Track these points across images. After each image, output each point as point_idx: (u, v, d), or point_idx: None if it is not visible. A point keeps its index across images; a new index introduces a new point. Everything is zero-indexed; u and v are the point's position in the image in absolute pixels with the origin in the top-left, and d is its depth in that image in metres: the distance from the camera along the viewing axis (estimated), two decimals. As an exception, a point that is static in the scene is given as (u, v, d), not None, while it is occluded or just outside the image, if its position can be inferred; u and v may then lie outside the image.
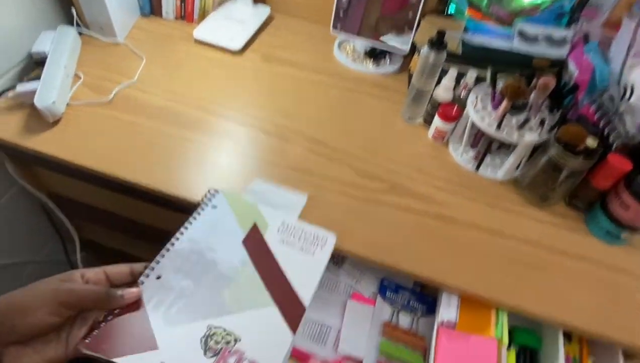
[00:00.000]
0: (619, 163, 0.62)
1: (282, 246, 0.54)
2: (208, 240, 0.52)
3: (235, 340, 0.44)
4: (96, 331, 0.41)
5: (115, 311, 0.43)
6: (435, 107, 0.76)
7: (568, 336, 0.64)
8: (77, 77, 0.82)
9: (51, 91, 0.72)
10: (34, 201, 0.91)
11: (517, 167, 0.73)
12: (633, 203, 0.61)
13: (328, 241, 0.56)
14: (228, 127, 0.76)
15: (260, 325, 0.46)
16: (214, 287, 0.48)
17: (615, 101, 0.64)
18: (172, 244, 0.51)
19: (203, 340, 0.43)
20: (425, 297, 0.69)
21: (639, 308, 0.60)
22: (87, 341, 0.40)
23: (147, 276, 0.47)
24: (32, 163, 0.82)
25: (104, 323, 0.42)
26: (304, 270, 0.51)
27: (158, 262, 0.48)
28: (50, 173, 0.83)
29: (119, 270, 0.45)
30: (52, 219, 0.99)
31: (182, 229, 0.52)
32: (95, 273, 0.43)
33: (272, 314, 0.46)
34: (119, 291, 0.42)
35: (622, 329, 0.57)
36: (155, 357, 0.41)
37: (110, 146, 0.71)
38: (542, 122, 0.66)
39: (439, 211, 0.68)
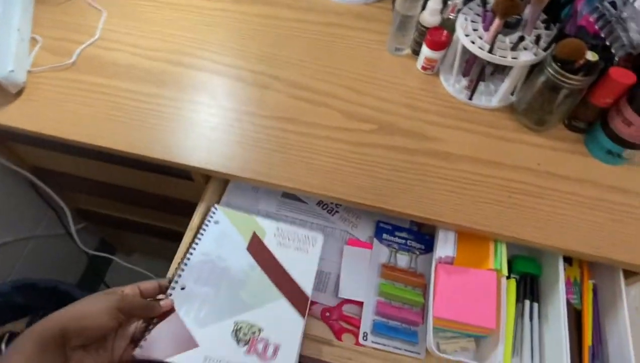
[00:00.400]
0: (622, 77, 0.58)
1: (280, 248, 0.61)
2: (217, 252, 0.59)
3: (259, 330, 0.53)
4: (145, 338, 0.49)
5: (154, 321, 0.50)
6: (423, 34, 0.70)
7: (569, 260, 0.63)
8: (34, 40, 0.76)
9: (6, 58, 0.67)
10: (19, 176, 0.89)
11: (513, 92, 0.68)
12: (636, 118, 0.57)
13: (317, 240, 0.63)
14: (202, 79, 0.72)
15: (275, 315, 0.55)
16: (231, 289, 0.56)
17: (618, 6, 0.59)
18: (188, 259, 0.58)
19: (233, 333, 0.52)
20: (422, 236, 0.68)
21: (639, 226, 0.59)
22: (139, 348, 0.48)
23: (173, 288, 0.55)
24: (4, 138, 0.78)
25: (147, 332, 0.49)
26: (302, 266, 0.60)
27: (180, 276, 0.56)
28: (27, 147, 0.80)
29: (150, 285, 0.51)
30: (41, 193, 0.97)
31: (193, 245, 0.60)
32: (131, 288, 0.49)
33: (283, 305, 0.56)
34: (158, 302, 0.51)
35: (622, 249, 0.57)
36: (199, 353, 0.50)
37: (79, 112, 0.67)
38: (537, 40, 0.61)
39: (433, 148, 0.65)
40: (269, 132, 0.66)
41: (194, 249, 0.59)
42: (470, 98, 0.69)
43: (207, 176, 0.67)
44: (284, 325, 0.54)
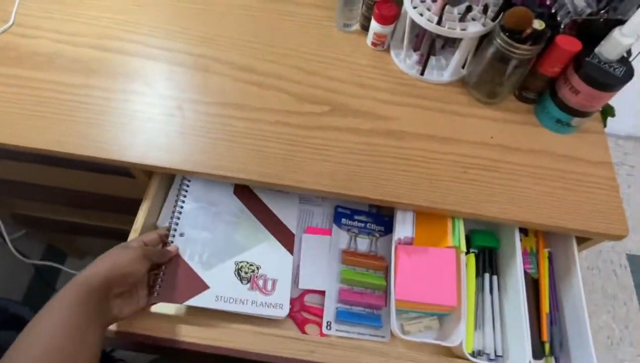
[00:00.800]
0: (568, 45, 0.58)
1: (262, 191, 0.65)
2: (207, 197, 0.62)
3: (258, 268, 0.59)
4: (159, 285, 0.54)
5: (163, 268, 0.55)
6: (371, 8, 0.67)
7: (524, 230, 0.64)
8: None
9: None
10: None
11: (464, 65, 0.67)
12: (583, 86, 0.58)
13: None
14: (135, 65, 0.65)
15: (268, 253, 0.60)
16: (227, 233, 0.60)
17: (562, -27, 0.58)
18: (181, 206, 0.61)
19: (236, 273, 0.58)
20: (381, 218, 0.67)
21: (589, 192, 0.60)
22: (155, 294, 0.53)
23: (173, 236, 0.58)
24: None
25: (160, 279, 0.54)
26: (285, 206, 0.64)
27: (177, 224, 0.59)
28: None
29: (152, 236, 0.55)
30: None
31: (182, 192, 0.62)
32: (137, 241, 0.53)
33: (274, 244, 0.61)
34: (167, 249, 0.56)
35: (574, 217, 0.57)
36: (211, 293, 0.55)
37: (-4, 109, 0.59)
38: (485, 10, 0.60)
39: (386, 127, 0.63)
40: (214, 120, 0.61)
41: (185, 196, 0.62)
42: (422, 73, 0.67)
43: (149, 172, 0.62)
44: (277, 262, 0.59)
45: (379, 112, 0.64)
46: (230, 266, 0.58)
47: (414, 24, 0.62)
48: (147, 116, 0.61)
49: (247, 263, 0.58)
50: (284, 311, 0.56)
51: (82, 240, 1.14)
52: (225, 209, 0.62)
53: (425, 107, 0.65)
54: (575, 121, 0.62)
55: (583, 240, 0.61)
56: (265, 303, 0.56)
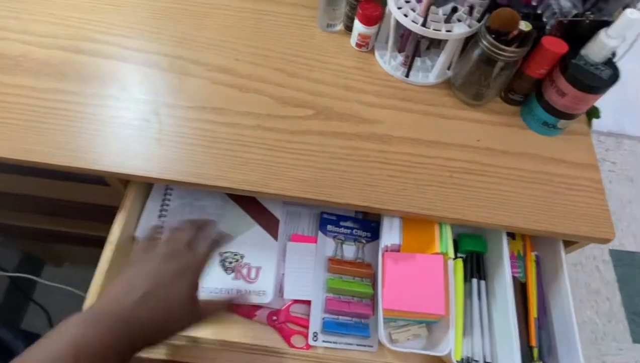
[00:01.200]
0: (554, 46, 0.57)
1: None
2: (192, 194, 0.63)
3: (242, 257, 0.60)
4: None
5: None
6: (354, 8, 0.65)
7: (512, 234, 0.63)
8: None
9: None
10: None
11: (449, 67, 0.66)
12: (569, 88, 0.57)
13: None
14: (109, 68, 0.62)
15: (252, 241, 0.61)
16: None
17: (548, -27, 0.57)
18: (167, 205, 0.62)
19: (220, 264, 0.59)
20: (368, 224, 0.65)
21: (576, 195, 0.59)
22: None
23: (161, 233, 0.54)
24: None
25: None
26: None
27: (164, 222, 0.60)
28: None
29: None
30: None
31: (168, 191, 0.63)
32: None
33: (258, 232, 0.62)
34: None
35: (561, 221, 0.57)
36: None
37: (-42, 116, 0.56)
38: (470, 11, 0.58)
39: (372, 131, 0.61)
40: (193, 125, 0.59)
41: (170, 195, 0.62)
42: (407, 75, 0.65)
43: (125, 181, 0.59)
44: (261, 249, 0.60)
45: (364, 115, 0.62)
46: (215, 257, 0.57)
47: (398, 24, 0.61)
48: (122, 121, 0.58)
49: (232, 253, 0.59)
50: (267, 297, 0.57)
51: (59, 248, 1.10)
52: (209, 202, 0.63)
53: (410, 110, 0.64)
54: (562, 123, 0.62)
55: (570, 243, 0.61)
56: (249, 290, 0.57)
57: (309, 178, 0.56)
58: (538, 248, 0.64)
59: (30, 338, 0.69)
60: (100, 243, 0.90)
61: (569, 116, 0.61)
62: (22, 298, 1.15)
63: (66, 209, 0.77)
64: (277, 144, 0.58)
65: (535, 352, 0.57)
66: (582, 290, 1.39)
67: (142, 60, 0.64)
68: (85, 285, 1.17)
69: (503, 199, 0.58)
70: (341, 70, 0.66)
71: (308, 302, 0.58)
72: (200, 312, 0.41)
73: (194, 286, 0.41)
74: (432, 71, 0.66)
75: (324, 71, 0.66)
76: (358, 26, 0.64)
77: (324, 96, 0.63)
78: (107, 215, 0.63)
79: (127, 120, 0.58)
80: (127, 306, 0.36)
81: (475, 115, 0.65)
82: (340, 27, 0.70)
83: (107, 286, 0.39)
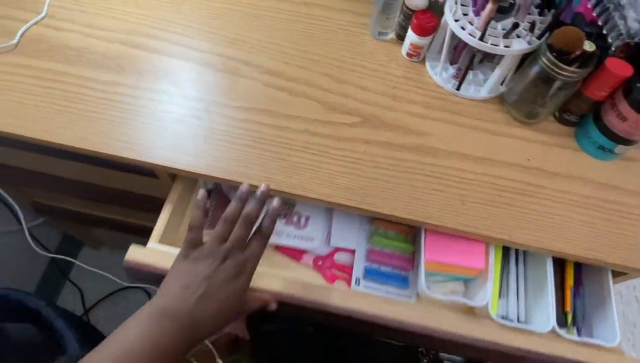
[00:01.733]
0: (618, 68, 0.55)
1: None
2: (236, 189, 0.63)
3: (293, 205, 0.64)
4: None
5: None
6: (409, 17, 0.64)
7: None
8: (-32, 17, 0.66)
9: None
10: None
11: (503, 82, 0.64)
12: (632, 113, 0.54)
13: None
14: (164, 64, 0.64)
15: None
16: None
17: (618, -8, 0.55)
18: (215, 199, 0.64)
19: None
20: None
21: (630, 225, 0.56)
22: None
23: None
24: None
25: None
26: None
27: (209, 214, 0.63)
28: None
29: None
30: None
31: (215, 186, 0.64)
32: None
33: None
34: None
35: (613, 250, 0.54)
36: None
37: (23, 102, 0.59)
38: (531, 27, 0.57)
39: (418, 143, 0.60)
40: (241, 125, 0.60)
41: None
42: (458, 88, 0.64)
43: (173, 175, 0.61)
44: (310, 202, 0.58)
45: (412, 126, 0.62)
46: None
47: (453, 36, 0.60)
48: (173, 117, 0.59)
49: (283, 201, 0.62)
50: (314, 244, 0.61)
51: (100, 232, 1.14)
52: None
53: (459, 124, 0.63)
54: (620, 148, 0.59)
55: (619, 272, 0.58)
56: (299, 236, 0.61)
57: (353, 186, 0.56)
58: (584, 273, 0.61)
59: (69, 317, 0.72)
60: (139, 231, 0.93)
61: (628, 142, 0.58)
62: (59, 276, 1.21)
63: (113, 197, 0.79)
64: (322, 149, 0.59)
65: (569, 316, 0.56)
66: (620, 321, 1.32)
67: (196, 58, 0.65)
68: (118, 270, 1.21)
69: (552, 223, 0.56)
70: (390, 79, 0.66)
71: (352, 252, 0.62)
72: (248, 307, 0.43)
73: (246, 286, 0.42)
74: (484, 85, 0.64)
75: (372, 78, 0.66)
76: (411, 36, 0.64)
77: (372, 104, 0.63)
78: (151, 206, 0.66)
79: (178, 116, 0.59)
80: (189, 307, 0.37)
81: (527, 133, 0.63)
82: (392, 35, 0.70)
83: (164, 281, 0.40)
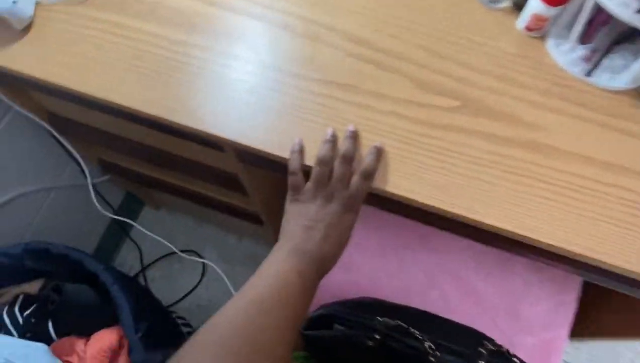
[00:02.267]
0: None
1: None
2: None
3: None
4: None
5: None
6: (533, -19, 0.52)
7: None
8: (45, -35, 0.63)
9: (9, -15, 0.55)
10: (37, 126, 0.80)
11: (651, 70, 0.51)
12: None
13: None
14: (240, 25, 0.57)
15: None
16: None
17: None
18: None
19: None
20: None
21: None
22: None
23: None
24: (13, 80, 0.68)
25: None
26: None
27: None
28: (40, 94, 0.70)
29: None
30: (61, 142, 0.89)
31: None
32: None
33: None
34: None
35: None
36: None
37: (93, 57, 0.55)
38: None
39: (530, 137, 0.49)
40: (318, 100, 0.52)
41: None
42: (589, 74, 0.52)
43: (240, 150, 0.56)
44: None
45: (523, 116, 0.51)
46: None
47: (596, 7, 0.47)
48: (245, 87, 0.53)
49: None
50: None
51: (162, 195, 1.15)
52: None
53: (585, 119, 0.51)
54: None
55: None
56: None
57: (443, 184, 0.47)
58: None
59: (126, 284, 0.71)
60: (201, 199, 0.91)
61: None
62: (120, 234, 1.24)
63: (177, 164, 0.76)
64: (410, 136, 0.50)
65: None
66: None
67: (274, 20, 0.58)
68: (175, 235, 1.21)
69: (703, 257, 0.43)
70: (501, 56, 0.54)
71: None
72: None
73: (354, 223, 0.45)
74: (623, 72, 0.51)
75: (478, 55, 0.55)
76: (536, 5, 0.52)
77: (474, 86, 0.53)
78: (216, 177, 0.61)
79: (251, 85, 0.53)
80: (316, 245, 0.42)
81: (675, 138, 0.50)
82: (507, 3, 0.58)
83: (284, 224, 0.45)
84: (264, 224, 0.90)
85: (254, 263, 0.48)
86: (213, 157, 0.63)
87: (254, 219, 0.89)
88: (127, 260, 1.25)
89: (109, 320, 0.72)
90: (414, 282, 0.75)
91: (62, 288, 0.66)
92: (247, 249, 1.24)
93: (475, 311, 0.75)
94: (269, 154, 0.50)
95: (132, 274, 1.22)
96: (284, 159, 0.49)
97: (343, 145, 0.46)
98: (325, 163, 0.45)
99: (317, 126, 0.50)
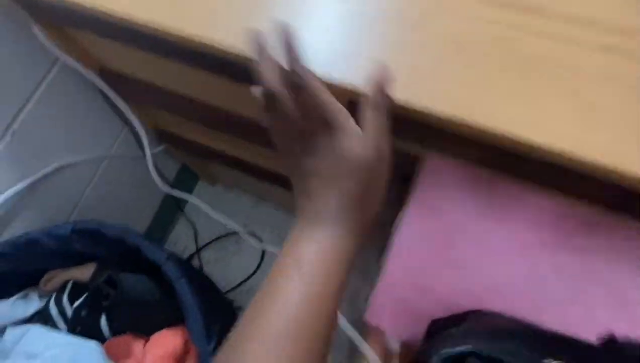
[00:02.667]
0: None
1: None
2: None
3: None
4: None
5: None
6: None
7: None
8: None
9: None
10: (88, 84, 0.68)
11: None
12: None
13: None
14: None
15: None
16: None
17: None
18: None
19: None
20: None
21: None
22: None
23: None
24: (62, 23, 0.54)
25: None
26: None
27: None
28: (88, 36, 0.56)
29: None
30: (116, 108, 0.76)
31: None
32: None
33: None
34: None
35: None
36: None
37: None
38: None
39: None
40: (495, 31, 0.34)
41: None
42: None
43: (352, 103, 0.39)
44: None
45: None
46: None
47: None
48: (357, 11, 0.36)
49: None
50: None
51: (220, 169, 1.02)
52: None
53: None
54: None
55: None
56: None
57: None
58: None
59: (193, 277, 0.58)
60: (257, 173, 0.76)
61: None
62: (175, 209, 1.13)
63: (242, 128, 0.61)
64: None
65: None
66: None
67: None
68: (232, 214, 1.08)
69: None
70: None
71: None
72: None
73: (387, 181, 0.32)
74: None
75: None
76: None
77: None
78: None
79: (368, 12, 0.36)
80: (359, 222, 0.31)
81: None
82: None
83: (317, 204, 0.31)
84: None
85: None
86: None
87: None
88: (181, 239, 1.14)
89: (171, 317, 0.59)
90: (552, 288, 0.58)
91: (117, 279, 0.54)
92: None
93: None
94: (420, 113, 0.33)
95: (186, 255, 1.11)
96: (455, 125, 0.32)
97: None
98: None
99: (499, 73, 0.33)
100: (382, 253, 0.53)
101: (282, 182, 0.79)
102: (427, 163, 0.56)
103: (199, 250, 1.10)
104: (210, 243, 1.12)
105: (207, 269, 1.10)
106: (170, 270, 0.53)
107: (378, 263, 0.55)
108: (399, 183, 0.46)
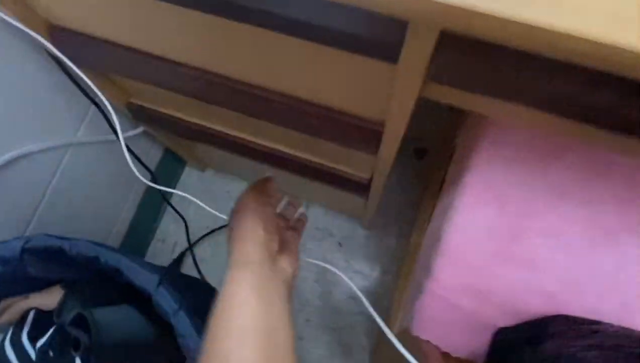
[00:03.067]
0: None
1: None
2: None
3: None
4: None
5: None
6: None
7: None
8: None
9: None
10: (37, 49, 0.52)
11: None
12: None
13: None
14: None
15: None
16: None
17: None
18: None
19: None
20: None
21: None
22: None
23: None
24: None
25: None
26: None
27: None
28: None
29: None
30: (75, 81, 0.61)
31: None
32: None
33: None
34: None
35: None
36: None
37: None
38: None
39: None
40: None
41: None
42: None
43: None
44: None
45: None
46: None
47: None
48: None
49: None
50: None
51: (208, 151, 0.88)
52: None
53: None
54: None
55: None
56: None
57: None
58: None
59: (193, 296, 0.45)
60: (252, 153, 0.63)
61: None
62: (159, 201, 0.99)
63: (230, 95, 0.47)
64: None
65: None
66: None
67: None
68: (225, 201, 0.95)
69: None
70: None
71: None
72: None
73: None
74: None
75: None
76: None
77: None
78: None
79: None
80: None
81: None
82: None
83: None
84: (370, 193, 0.61)
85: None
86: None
87: (355, 187, 0.61)
88: (169, 235, 1.01)
89: (172, 355, 0.46)
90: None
91: (91, 319, 0.39)
92: (322, 223, 0.98)
93: None
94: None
95: (177, 253, 0.98)
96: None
97: None
98: None
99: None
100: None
101: (281, 163, 0.66)
102: (487, 132, 0.43)
103: (191, 246, 0.97)
104: (203, 237, 0.99)
105: (203, 268, 0.98)
106: (164, 300, 0.39)
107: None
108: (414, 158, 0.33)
